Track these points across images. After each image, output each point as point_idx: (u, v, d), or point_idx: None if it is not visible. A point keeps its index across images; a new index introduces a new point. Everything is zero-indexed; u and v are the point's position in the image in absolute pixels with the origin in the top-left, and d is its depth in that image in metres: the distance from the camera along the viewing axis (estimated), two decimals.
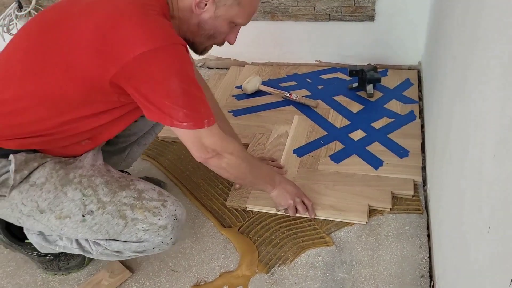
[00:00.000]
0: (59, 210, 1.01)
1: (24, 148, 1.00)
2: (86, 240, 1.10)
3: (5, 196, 1.00)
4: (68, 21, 0.95)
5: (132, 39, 0.89)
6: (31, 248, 1.19)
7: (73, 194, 1.01)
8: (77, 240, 1.11)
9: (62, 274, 1.26)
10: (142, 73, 0.90)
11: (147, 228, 1.05)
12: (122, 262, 1.26)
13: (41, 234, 1.13)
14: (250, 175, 1.20)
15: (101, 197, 1.03)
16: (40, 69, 0.94)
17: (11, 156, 0.98)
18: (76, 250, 1.12)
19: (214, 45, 1.13)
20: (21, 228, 1.15)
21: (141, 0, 0.95)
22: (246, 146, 1.61)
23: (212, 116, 1.01)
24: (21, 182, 0.99)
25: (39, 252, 1.19)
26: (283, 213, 1.35)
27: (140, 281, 1.23)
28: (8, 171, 0.99)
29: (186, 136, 1.02)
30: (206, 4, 1.01)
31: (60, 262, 1.24)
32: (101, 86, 0.93)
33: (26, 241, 1.19)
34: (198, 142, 1.03)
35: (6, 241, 1.20)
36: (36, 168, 1.00)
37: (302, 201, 1.32)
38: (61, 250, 1.15)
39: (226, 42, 1.12)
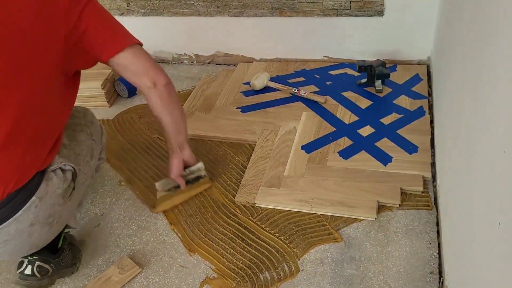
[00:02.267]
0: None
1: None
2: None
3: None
4: None
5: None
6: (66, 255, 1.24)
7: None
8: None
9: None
10: (94, 16, 1.06)
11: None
12: (132, 258, 1.27)
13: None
14: (179, 108, 1.29)
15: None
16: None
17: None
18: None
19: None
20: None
21: None
22: (254, 142, 1.61)
23: None
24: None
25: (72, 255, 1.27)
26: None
27: (150, 277, 1.24)
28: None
29: (143, 55, 1.13)
30: None
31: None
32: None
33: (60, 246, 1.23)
34: (151, 61, 1.14)
35: (54, 264, 1.20)
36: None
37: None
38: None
39: None
